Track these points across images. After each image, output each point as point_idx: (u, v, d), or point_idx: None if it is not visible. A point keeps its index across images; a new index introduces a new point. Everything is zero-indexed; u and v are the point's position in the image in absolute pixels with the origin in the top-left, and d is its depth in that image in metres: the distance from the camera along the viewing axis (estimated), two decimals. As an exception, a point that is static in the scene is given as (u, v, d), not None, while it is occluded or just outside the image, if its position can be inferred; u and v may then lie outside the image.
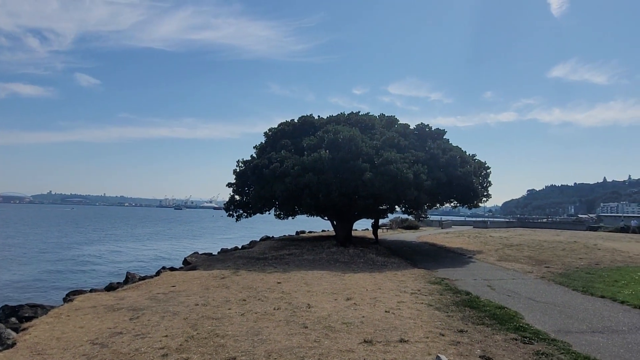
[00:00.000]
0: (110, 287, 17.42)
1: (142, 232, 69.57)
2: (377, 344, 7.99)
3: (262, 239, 38.71)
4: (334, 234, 31.48)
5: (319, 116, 30.87)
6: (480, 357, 7.29)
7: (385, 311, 10.66)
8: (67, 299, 13.84)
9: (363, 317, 10.06)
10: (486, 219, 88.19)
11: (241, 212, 30.44)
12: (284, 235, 44.19)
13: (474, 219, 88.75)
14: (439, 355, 3.24)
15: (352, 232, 31.77)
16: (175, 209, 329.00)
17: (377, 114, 31.24)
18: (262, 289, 13.62)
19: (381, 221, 38.50)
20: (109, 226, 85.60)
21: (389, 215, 34.54)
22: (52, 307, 12.65)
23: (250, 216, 31.25)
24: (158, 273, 20.89)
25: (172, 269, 22.02)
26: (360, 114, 30.37)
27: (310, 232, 47.94)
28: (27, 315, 12.21)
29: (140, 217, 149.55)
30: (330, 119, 29.65)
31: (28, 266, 28.83)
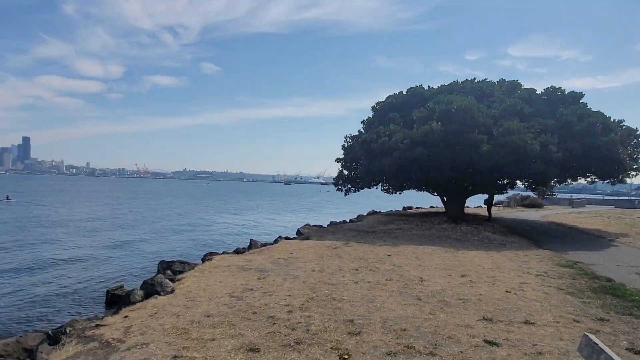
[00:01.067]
0: (237, 251, 19.75)
1: (259, 205, 76.42)
2: (499, 322, 7.60)
3: (369, 214, 39.21)
4: (444, 210, 30.19)
5: (429, 86, 29.27)
6: (627, 349, 6.41)
7: (506, 291, 10.01)
8: (206, 258, 16.13)
9: (480, 294, 9.62)
10: (633, 198, 74.06)
11: (349, 186, 31.13)
12: (391, 210, 44.00)
13: (615, 197, 75.46)
14: (586, 334, 2.95)
15: (464, 208, 30.04)
16: (284, 184, 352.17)
17: (495, 80, 28.36)
18: (373, 260, 13.93)
19: (496, 198, 35.56)
20: (231, 199, 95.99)
21: (507, 191, 31.63)
22: (196, 264, 14.94)
23: (358, 191, 31.76)
24: (276, 241, 22.92)
25: (287, 238, 23.90)
26: (475, 80, 27.94)
27: (417, 208, 46.80)
28: (178, 269, 14.66)
29: (257, 191, 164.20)
30: (442, 89, 27.88)
31: (173, 229, 34.35)
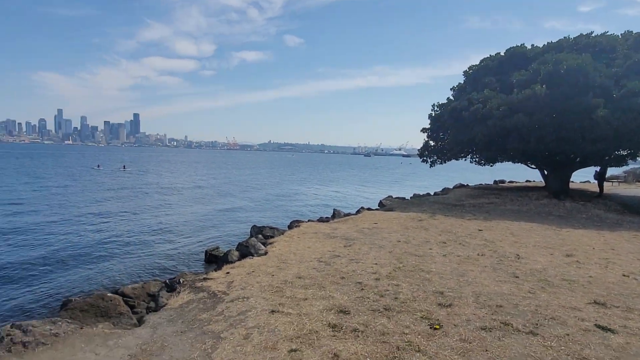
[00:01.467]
0: (321, 220, 20.36)
1: (340, 176, 77.37)
2: (614, 308, 6.80)
3: (456, 187, 37.29)
4: (544, 184, 27.38)
5: (532, 45, 26.03)
6: None
7: (623, 275, 8.86)
8: (293, 225, 16.93)
9: (590, 277, 8.66)
10: None
11: (435, 158, 29.77)
12: (480, 184, 41.27)
13: None
14: None
15: (569, 183, 26.89)
16: (364, 156, 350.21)
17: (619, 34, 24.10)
18: (462, 234, 13.32)
19: (610, 172, 31.11)
20: (313, 170, 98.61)
21: (627, 163, 27.38)
22: (284, 230, 15.79)
23: (444, 162, 30.25)
24: (358, 212, 23.08)
25: (369, 209, 23.91)
26: (592, 35, 24.08)
27: (511, 181, 43.17)
28: (268, 234, 15.63)
29: (337, 163, 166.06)
30: (549, 47, 24.52)
31: (262, 197, 36.65)
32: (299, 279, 8.24)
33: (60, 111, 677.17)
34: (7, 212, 22.86)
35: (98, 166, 69.52)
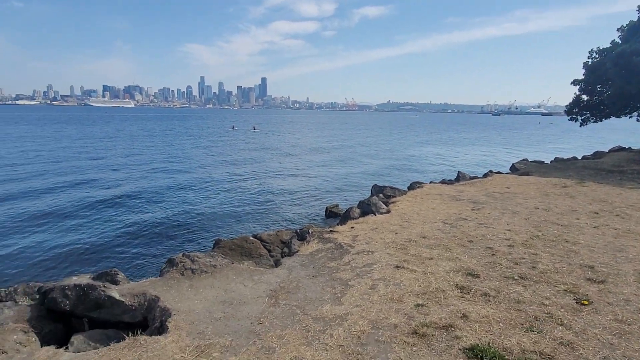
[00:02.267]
0: (444, 182, 19.44)
1: (465, 137, 71.90)
2: None
3: (612, 150, 31.29)
4: None
5: None
6: None
7: None
8: (414, 186, 16.58)
9: None
10: None
11: (587, 115, 25.24)
12: (648, 147, 33.78)
13: None
14: None
15: None
16: (493, 115, 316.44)
17: None
18: (621, 205, 11.27)
19: None
20: (435, 131, 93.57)
21: None
22: (405, 191, 15.60)
23: (600, 120, 25.48)
24: (486, 175, 21.29)
25: (499, 173, 21.83)
26: None
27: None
28: (389, 194, 15.66)
29: (462, 123, 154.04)
30: None
31: (380, 158, 36.65)
32: (423, 238, 8.15)
33: (202, 78, 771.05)
34: (167, 169, 27.60)
35: (232, 127, 78.10)
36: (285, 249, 9.08)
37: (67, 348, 5.22)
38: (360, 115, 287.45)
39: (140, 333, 5.01)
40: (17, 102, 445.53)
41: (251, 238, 9.11)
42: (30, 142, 42.28)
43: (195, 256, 6.88)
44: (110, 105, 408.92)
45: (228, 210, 16.43)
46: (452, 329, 4.65)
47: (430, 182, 18.24)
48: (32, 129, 62.32)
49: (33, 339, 5.56)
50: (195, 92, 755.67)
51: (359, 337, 4.61)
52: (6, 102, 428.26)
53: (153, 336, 4.98)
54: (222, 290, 6.12)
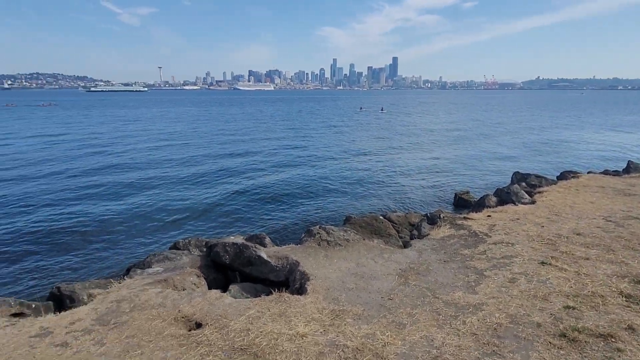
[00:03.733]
0: (606, 172, 16.38)
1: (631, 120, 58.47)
2: None
3: None
4: None
5: None
6: None
7: None
8: (567, 176, 14.42)
9: None
10: None
11: None
12: None
13: None
14: None
15: None
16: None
17: None
18: None
19: None
20: (599, 112, 78.42)
21: None
22: (554, 181, 13.73)
23: None
24: (669, 167, 17.13)
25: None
26: None
27: None
28: (533, 183, 14.01)
29: (636, 101, 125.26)
30: None
31: (523, 143, 32.63)
32: (578, 235, 7.14)
33: (335, 60, 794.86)
34: (301, 147, 29.66)
35: (360, 109, 79.03)
36: (415, 232, 9.03)
37: (225, 294, 6.29)
38: (500, 94, 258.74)
39: (284, 291, 5.70)
40: (184, 87, 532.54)
41: (381, 217, 9.32)
42: (202, 121, 50.36)
43: (331, 229, 7.41)
44: (254, 89, 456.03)
45: (357, 188, 16.99)
46: (613, 339, 4.07)
47: (589, 172, 15.65)
48: (198, 110, 73.95)
49: (203, 282, 6.84)
50: (328, 75, 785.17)
51: (495, 329, 4.40)
52: (176, 88, 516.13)
53: (294, 295, 5.63)
54: (354, 264, 6.48)
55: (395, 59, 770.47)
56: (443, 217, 8.75)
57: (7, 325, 4.82)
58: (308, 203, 14.66)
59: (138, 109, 78.12)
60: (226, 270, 7.51)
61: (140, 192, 15.84)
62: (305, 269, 6.24)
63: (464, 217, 8.61)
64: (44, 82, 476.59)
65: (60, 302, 5.95)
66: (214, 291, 5.85)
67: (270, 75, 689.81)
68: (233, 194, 15.81)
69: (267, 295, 5.63)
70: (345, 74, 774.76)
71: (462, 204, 14.81)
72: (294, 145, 29.68)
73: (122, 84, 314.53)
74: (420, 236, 8.14)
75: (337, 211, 13.74)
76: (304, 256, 6.72)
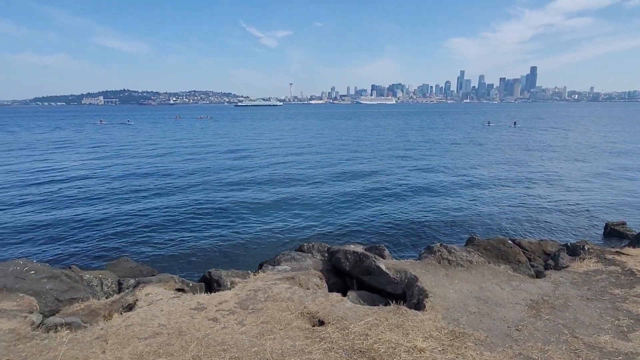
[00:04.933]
0: None
1: None
2: None
3: None
4: None
5: None
6: None
7: None
8: None
9: None
10: None
11: None
12: None
13: None
14: None
15: None
16: None
17: None
18: None
19: None
20: None
21: None
22: None
23: None
24: None
25: None
26: None
27: None
28: None
29: None
30: None
31: None
32: None
33: (462, 72, 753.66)
34: (422, 162, 28.92)
35: (489, 123, 73.18)
36: (550, 262, 8.11)
37: (345, 298, 6.65)
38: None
39: (402, 304, 5.78)
40: (310, 102, 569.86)
41: (509, 242, 8.62)
42: (325, 132, 53.49)
43: (453, 248, 7.20)
44: (375, 103, 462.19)
45: (482, 208, 15.91)
46: None
47: None
48: (321, 123, 78.43)
49: (324, 284, 7.34)
50: (453, 87, 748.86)
51: (653, 385, 3.76)
52: (304, 102, 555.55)
53: (411, 310, 5.66)
54: (477, 287, 6.18)
55: (533, 69, 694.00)
56: (588, 249, 7.67)
57: (174, 297, 5.99)
58: (427, 219, 14.33)
59: (275, 121, 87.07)
60: (344, 276, 7.90)
61: (272, 196, 17.61)
62: (424, 285, 6.21)
63: (617, 252, 7.39)
64: (198, 98, 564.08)
65: (210, 284, 7.09)
66: (335, 294, 6.25)
67: (392, 89, 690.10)
68: (354, 204, 16.39)
69: (385, 305, 5.78)
70: (474, 86, 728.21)
71: (616, 235, 12.69)
72: (408, 156, 29.18)
73: (262, 99, 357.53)
74: (557, 267, 7.29)
75: (458, 230, 13.12)
76: (422, 272, 6.68)
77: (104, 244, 12.10)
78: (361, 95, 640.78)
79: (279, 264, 8.05)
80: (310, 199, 17.26)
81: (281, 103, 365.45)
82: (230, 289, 6.41)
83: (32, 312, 5.66)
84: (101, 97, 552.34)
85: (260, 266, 8.23)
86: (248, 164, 26.81)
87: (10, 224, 13.99)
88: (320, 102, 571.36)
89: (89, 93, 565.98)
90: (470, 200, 17.10)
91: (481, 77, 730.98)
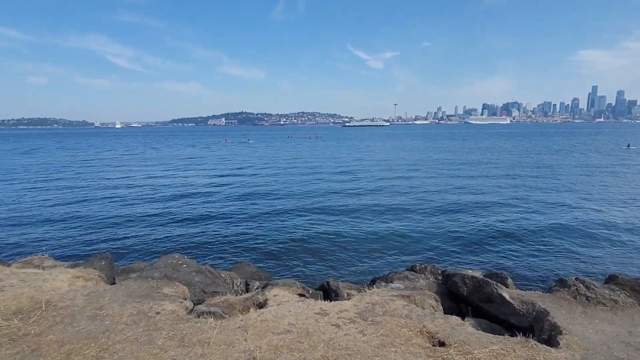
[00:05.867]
0: None
1: None
2: None
3: None
4: None
5: None
6: None
7: None
8: None
9: None
10: None
11: None
12: None
13: None
14: None
15: None
16: None
17: None
18: None
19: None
20: None
21: None
22: None
23: None
24: None
25: None
26: None
27: None
28: None
29: None
30: None
31: None
32: None
33: (594, 88, 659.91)
34: (539, 187, 26.08)
35: (628, 146, 62.38)
36: None
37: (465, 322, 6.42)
38: None
39: (532, 337, 5.38)
40: (415, 122, 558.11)
41: (666, 284, 7.34)
42: (429, 152, 52.11)
43: (592, 284, 6.45)
44: (486, 122, 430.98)
45: (623, 241, 13.70)
46: None
47: None
48: (425, 143, 76.35)
49: (440, 307, 7.19)
50: (582, 105, 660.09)
51: None
52: (408, 122, 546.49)
53: (542, 345, 5.23)
54: (625, 331, 5.44)
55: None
56: None
57: (298, 301, 6.53)
58: (558, 247, 12.89)
59: (380, 141, 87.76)
60: (459, 302, 7.61)
61: (380, 215, 17.78)
62: (556, 321, 5.69)
63: None
64: (306, 119, 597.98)
65: (327, 293, 7.53)
66: (454, 317, 6.11)
67: (507, 108, 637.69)
68: (469, 225, 15.62)
69: (510, 336, 5.45)
70: (609, 103, 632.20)
71: None
72: (524, 183, 26.49)
73: (368, 119, 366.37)
74: None
75: (595, 266, 11.52)
76: (555, 307, 6.12)
77: (228, 248, 13.65)
78: (470, 114, 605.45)
79: (392, 282, 8.14)
80: (419, 220, 16.95)
81: (387, 123, 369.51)
82: (348, 300, 6.73)
83: (185, 299, 6.75)
84: (223, 119, 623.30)
85: (373, 282, 8.42)
86: (356, 183, 27.49)
87: (162, 229, 16.70)
88: (425, 122, 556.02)
89: (213, 115, 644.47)
90: (610, 230, 14.87)
91: (620, 93, 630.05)
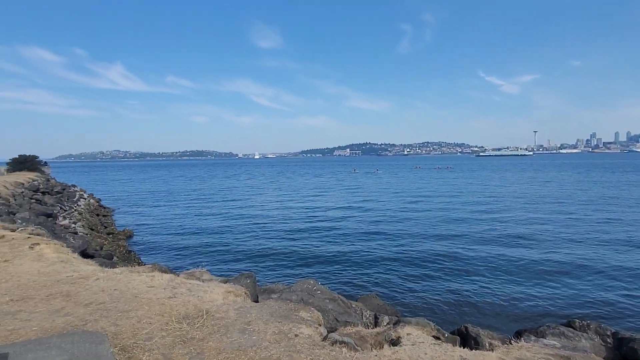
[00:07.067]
0: None
1: None
2: None
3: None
4: None
5: None
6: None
7: None
8: None
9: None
10: None
11: None
12: None
13: None
14: None
15: None
16: None
17: None
18: None
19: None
20: None
21: None
22: None
23: None
24: None
25: None
26: None
27: None
28: None
29: None
30: None
31: None
32: None
33: None
34: None
35: None
36: None
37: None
38: None
39: None
40: (561, 150, 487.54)
41: None
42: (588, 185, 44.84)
43: None
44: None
45: None
46: None
47: None
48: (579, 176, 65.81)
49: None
50: None
51: None
52: (552, 152, 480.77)
53: None
54: None
55: None
56: None
57: (434, 344, 6.13)
58: None
59: (524, 173, 79.00)
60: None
61: (531, 256, 15.80)
62: None
63: None
64: (431, 149, 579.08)
65: (465, 339, 6.90)
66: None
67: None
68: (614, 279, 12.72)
69: None
70: None
71: None
72: None
73: (506, 148, 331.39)
74: None
75: None
76: None
77: (354, 278, 13.74)
78: (638, 142, 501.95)
79: (543, 337, 7.04)
80: (583, 266, 14.47)
81: (531, 152, 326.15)
82: (491, 351, 6.04)
83: (320, 325, 6.99)
84: (348, 149, 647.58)
85: (519, 334, 7.41)
86: (500, 217, 25.14)
87: (294, 251, 17.91)
88: (574, 150, 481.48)
89: (339, 146, 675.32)
90: None
91: None
